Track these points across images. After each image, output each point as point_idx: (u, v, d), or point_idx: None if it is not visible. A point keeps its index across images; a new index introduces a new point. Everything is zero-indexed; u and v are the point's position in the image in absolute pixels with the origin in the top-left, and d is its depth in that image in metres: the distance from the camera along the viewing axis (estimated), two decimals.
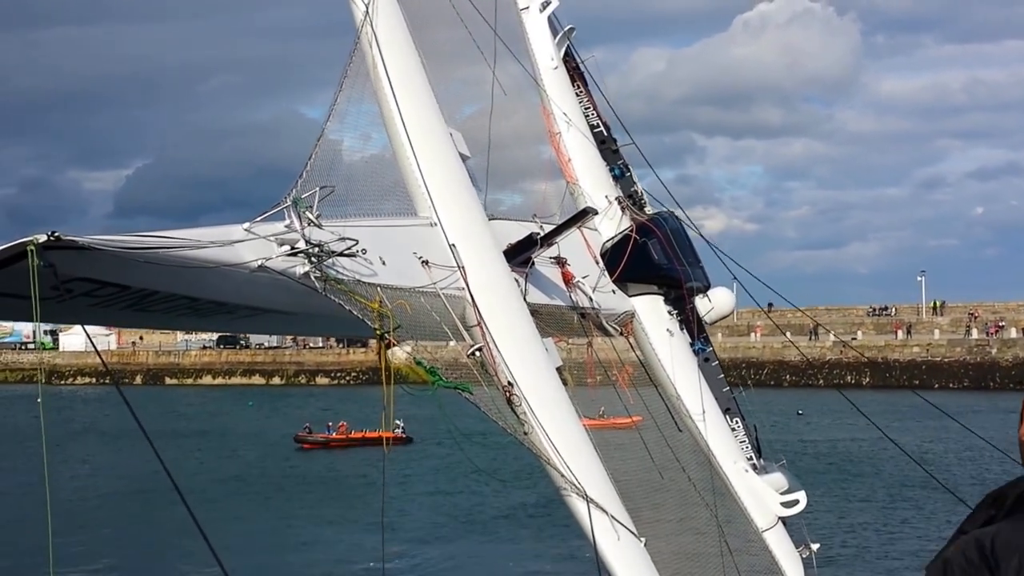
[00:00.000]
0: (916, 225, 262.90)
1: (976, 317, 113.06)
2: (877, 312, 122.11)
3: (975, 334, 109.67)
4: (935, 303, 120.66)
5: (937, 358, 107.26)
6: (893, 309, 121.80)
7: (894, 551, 38.02)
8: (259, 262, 7.37)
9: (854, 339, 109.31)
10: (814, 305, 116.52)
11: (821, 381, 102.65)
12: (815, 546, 13.94)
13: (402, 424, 70.76)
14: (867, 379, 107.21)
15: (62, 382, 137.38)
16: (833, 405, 68.96)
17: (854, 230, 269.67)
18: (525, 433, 8.96)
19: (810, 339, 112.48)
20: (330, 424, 72.73)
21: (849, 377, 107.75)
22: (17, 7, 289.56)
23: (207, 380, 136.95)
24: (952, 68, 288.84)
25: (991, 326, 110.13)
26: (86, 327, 8.04)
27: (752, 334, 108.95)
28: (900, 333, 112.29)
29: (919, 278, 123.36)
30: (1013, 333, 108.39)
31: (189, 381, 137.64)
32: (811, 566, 13.56)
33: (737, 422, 13.71)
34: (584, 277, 11.63)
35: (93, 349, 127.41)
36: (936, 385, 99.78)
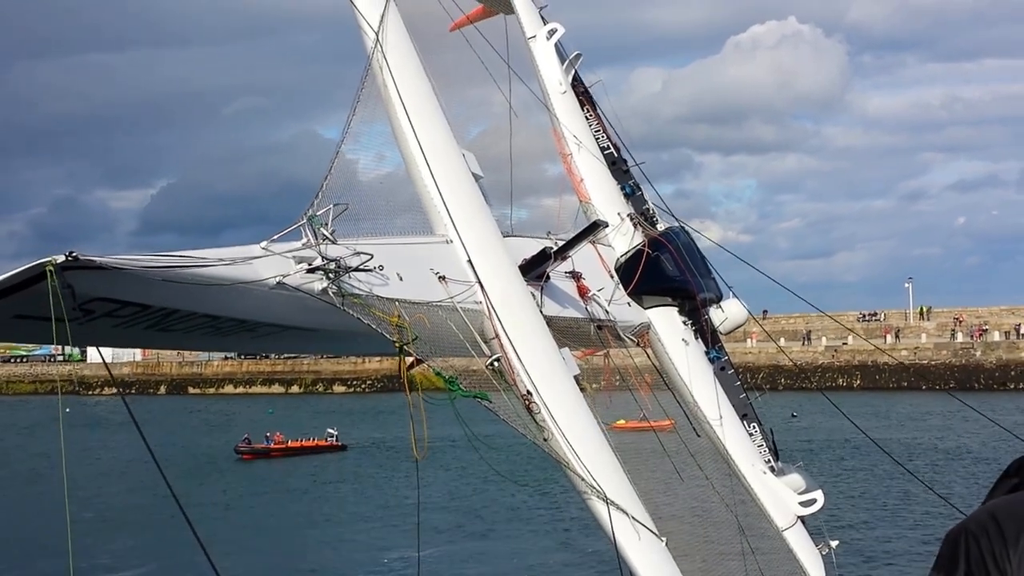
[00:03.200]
0: (901, 235, 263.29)
1: (961, 321, 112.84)
2: (867, 318, 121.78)
3: (960, 338, 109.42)
4: (922, 308, 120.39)
5: (924, 361, 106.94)
6: (882, 315, 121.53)
7: (893, 544, 37.84)
8: (277, 279, 7.12)
9: (845, 344, 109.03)
10: (807, 312, 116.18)
11: (814, 384, 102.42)
12: (834, 543, 13.73)
13: (335, 432, 71.52)
14: (858, 381, 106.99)
15: (89, 393, 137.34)
16: (826, 407, 68.65)
17: (843, 240, 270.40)
18: (545, 439, 8.85)
19: (803, 344, 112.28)
20: (268, 434, 72.37)
21: (841, 380, 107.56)
22: (48, 37, 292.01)
23: (228, 389, 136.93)
24: (934, 86, 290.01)
25: (975, 330, 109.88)
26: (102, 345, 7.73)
27: (748, 340, 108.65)
28: (889, 337, 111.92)
29: (906, 285, 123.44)
30: (996, 336, 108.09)
31: (211, 390, 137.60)
32: (831, 562, 13.37)
33: (754, 427, 13.55)
34: (599, 290, 11.44)
35: (116, 362, 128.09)
36: (923, 387, 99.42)
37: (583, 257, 11.34)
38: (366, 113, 8.84)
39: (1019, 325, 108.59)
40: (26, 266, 5.82)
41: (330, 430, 73.12)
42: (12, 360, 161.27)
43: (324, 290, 7.36)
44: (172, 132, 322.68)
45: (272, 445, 70.82)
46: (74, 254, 5.85)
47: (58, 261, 5.79)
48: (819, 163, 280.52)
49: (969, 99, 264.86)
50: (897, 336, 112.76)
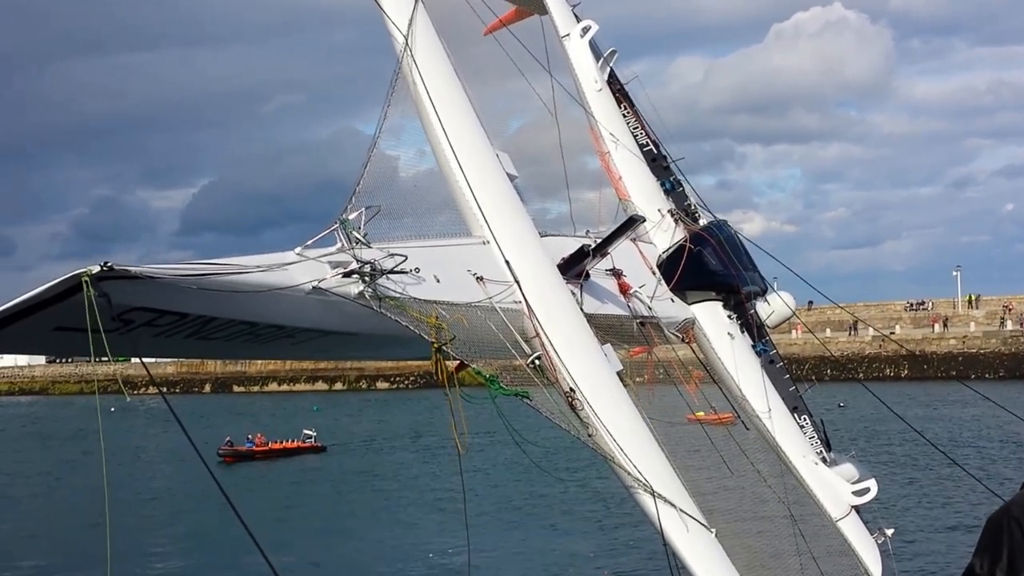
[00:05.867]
0: (949, 223, 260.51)
1: (1011, 309, 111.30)
2: (914, 307, 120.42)
3: (1009, 325, 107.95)
4: (970, 297, 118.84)
5: (973, 350, 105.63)
6: (930, 304, 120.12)
7: (943, 527, 37.58)
8: (313, 284, 7.10)
9: (892, 333, 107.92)
10: (852, 302, 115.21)
11: (861, 375, 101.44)
12: (889, 531, 13.57)
13: (314, 434, 71.63)
14: (905, 371, 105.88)
15: (135, 392, 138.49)
16: (873, 397, 67.88)
17: (889, 229, 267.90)
18: (589, 435, 8.84)
19: (850, 334, 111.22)
20: (249, 436, 72.26)
21: (888, 370, 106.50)
22: (86, 37, 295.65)
23: (272, 387, 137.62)
24: (981, 70, 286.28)
25: None
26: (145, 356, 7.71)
27: (793, 331, 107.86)
28: (937, 326, 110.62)
29: (954, 273, 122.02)
30: None
31: (256, 389, 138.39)
32: (887, 551, 13.22)
33: (805, 419, 13.41)
34: (641, 287, 11.36)
35: (159, 361, 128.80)
36: (972, 376, 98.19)
37: (624, 255, 11.26)
38: (404, 109, 8.81)
39: None
40: (61, 278, 5.79)
41: (307, 431, 73.48)
42: (57, 360, 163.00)
43: (360, 293, 7.35)
44: (211, 131, 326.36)
45: (254, 447, 70.63)
46: (109, 264, 5.81)
47: (93, 272, 5.75)
48: (864, 151, 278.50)
49: (1017, 83, 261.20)
50: (945, 325, 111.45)
